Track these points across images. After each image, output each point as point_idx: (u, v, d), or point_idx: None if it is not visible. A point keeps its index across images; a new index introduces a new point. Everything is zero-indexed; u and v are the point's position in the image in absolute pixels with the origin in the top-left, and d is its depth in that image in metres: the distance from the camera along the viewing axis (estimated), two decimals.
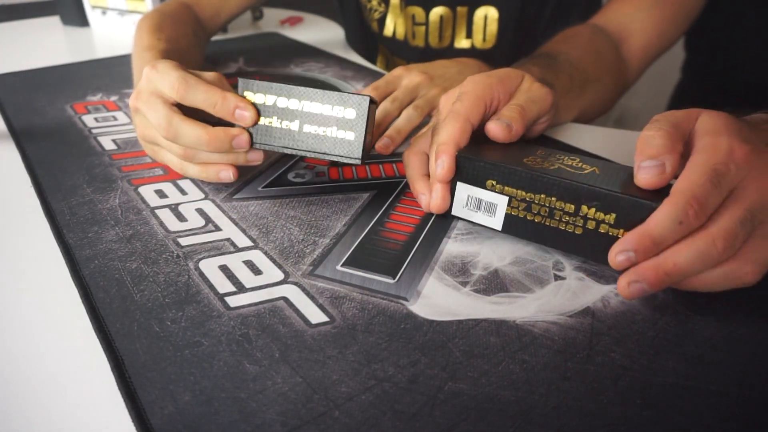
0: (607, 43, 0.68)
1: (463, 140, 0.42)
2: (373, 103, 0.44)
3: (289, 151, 0.45)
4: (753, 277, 0.34)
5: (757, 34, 0.76)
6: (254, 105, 0.45)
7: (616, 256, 0.34)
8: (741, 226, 0.33)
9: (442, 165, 0.41)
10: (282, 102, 0.44)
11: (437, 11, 0.83)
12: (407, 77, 0.63)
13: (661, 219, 0.33)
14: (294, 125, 0.45)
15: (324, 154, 0.45)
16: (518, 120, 0.44)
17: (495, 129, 0.43)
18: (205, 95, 0.45)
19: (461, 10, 0.82)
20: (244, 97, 0.45)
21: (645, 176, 0.36)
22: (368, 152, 0.46)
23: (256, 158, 0.47)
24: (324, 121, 0.44)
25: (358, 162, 0.44)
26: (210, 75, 0.48)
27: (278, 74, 0.81)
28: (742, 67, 0.80)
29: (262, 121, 0.45)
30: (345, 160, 0.45)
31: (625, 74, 0.70)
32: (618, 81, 0.69)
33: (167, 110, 0.45)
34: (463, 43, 0.85)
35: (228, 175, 0.47)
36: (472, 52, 0.84)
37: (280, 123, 0.45)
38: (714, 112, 0.37)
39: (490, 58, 0.79)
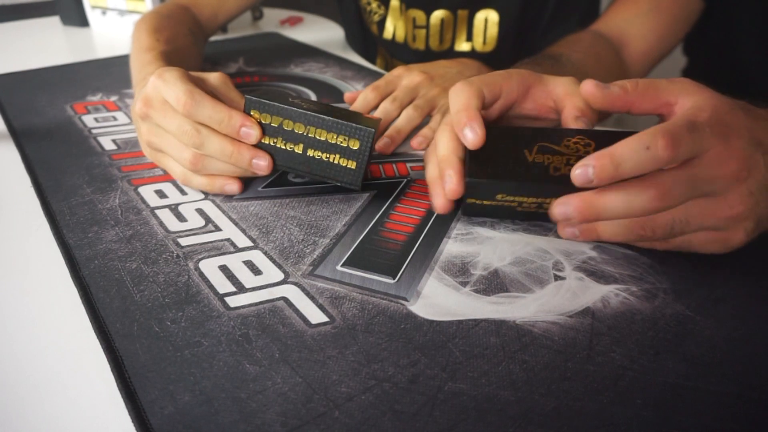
0: (608, 48, 0.68)
1: (480, 105, 0.42)
2: (376, 130, 0.45)
3: (290, 170, 0.46)
4: (654, 204, 0.35)
5: (754, 36, 0.76)
6: (260, 124, 0.45)
7: (576, 168, 0.35)
8: (675, 183, 0.34)
9: (471, 132, 0.41)
10: (288, 125, 0.45)
11: (438, 14, 0.83)
12: (407, 77, 0.63)
13: (628, 141, 0.34)
14: (298, 148, 0.45)
15: (325, 177, 0.46)
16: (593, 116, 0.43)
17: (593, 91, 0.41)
18: (211, 111, 0.45)
19: (462, 13, 0.82)
20: (250, 116, 0.45)
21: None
22: (366, 178, 0.48)
23: (261, 165, 0.47)
24: (328, 148, 0.45)
25: (358, 189, 0.46)
26: (214, 76, 0.48)
27: (278, 74, 0.81)
28: (742, 69, 0.80)
29: (267, 140, 0.45)
30: (344, 185, 0.46)
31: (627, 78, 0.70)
32: None
33: (191, 120, 0.45)
34: (463, 46, 0.85)
35: (233, 188, 0.48)
36: (472, 56, 0.84)
37: (285, 145, 0.45)
38: (708, 97, 0.38)
39: (491, 61, 0.80)
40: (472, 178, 0.41)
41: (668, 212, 0.36)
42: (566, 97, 0.43)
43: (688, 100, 0.38)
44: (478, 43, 0.84)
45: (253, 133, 0.44)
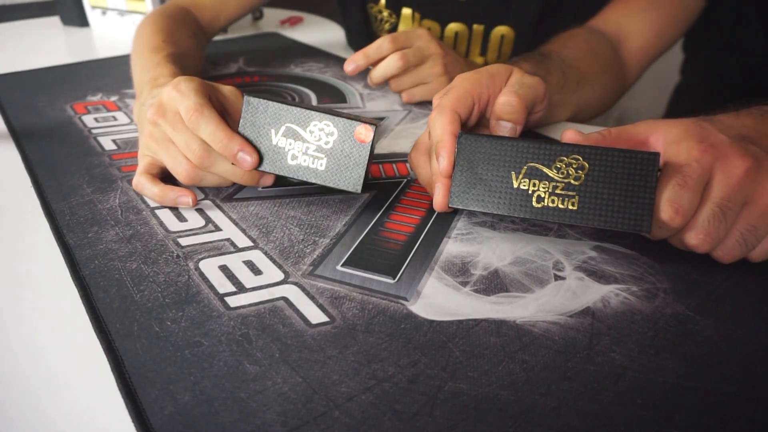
0: (603, 43, 0.68)
1: (455, 129, 0.42)
2: (376, 127, 0.45)
3: (288, 174, 0.45)
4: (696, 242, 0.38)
5: (758, 36, 0.76)
6: (257, 149, 0.45)
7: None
8: (711, 220, 0.36)
9: (442, 160, 0.41)
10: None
11: (453, 27, 0.83)
12: (425, 45, 0.66)
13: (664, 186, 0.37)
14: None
15: (324, 181, 0.45)
16: (518, 108, 0.44)
17: (503, 131, 0.44)
18: (214, 129, 0.45)
19: (477, 28, 0.82)
20: (248, 142, 0.45)
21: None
22: (367, 179, 0.47)
23: (267, 181, 0.49)
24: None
25: (358, 192, 0.45)
26: (228, 88, 0.49)
27: (278, 74, 0.81)
28: (743, 68, 0.80)
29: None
30: (345, 188, 0.44)
31: (624, 74, 0.70)
32: (616, 79, 0.69)
33: (201, 139, 0.45)
34: (477, 59, 0.85)
35: (187, 200, 0.47)
36: None
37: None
38: (674, 122, 0.40)
39: None
40: (454, 206, 0.41)
41: (730, 234, 0.37)
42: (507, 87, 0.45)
43: (659, 135, 0.40)
44: (492, 57, 0.84)
45: (249, 159, 0.44)
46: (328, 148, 0.44)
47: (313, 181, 0.45)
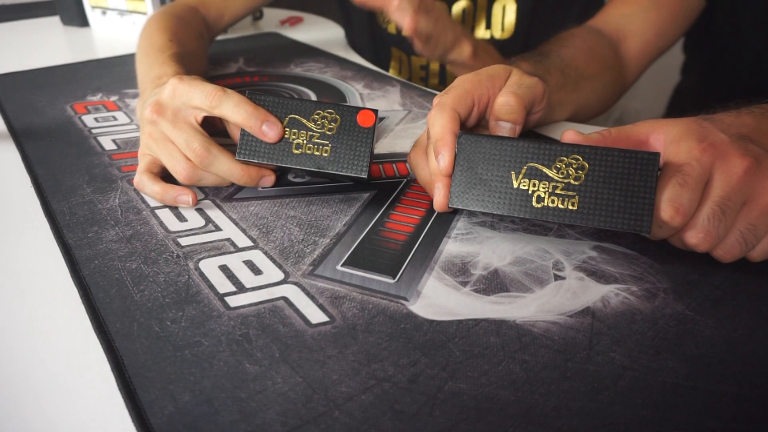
0: (602, 42, 0.68)
1: (456, 128, 0.42)
2: (377, 114, 0.45)
3: (293, 165, 0.45)
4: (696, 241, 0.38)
5: (758, 36, 0.76)
6: (282, 123, 0.45)
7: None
8: (711, 219, 0.36)
9: (443, 159, 0.41)
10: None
11: (460, 4, 0.85)
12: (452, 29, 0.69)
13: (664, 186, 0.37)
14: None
15: (330, 171, 0.45)
16: (517, 108, 0.44)
17: (502, 132, 0.44)
18: (238, 102, 0.45)
19: (481, 1, 0.85)
20: (274, 115, 0.45)
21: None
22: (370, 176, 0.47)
23: (267, 182, 0.49)
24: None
25: (365, 178, 0.45)
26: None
27: (278, 74, 0.81)
28: (743, 68, 0.80)
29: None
30: (351, 174, 0.45)
31: (624, 73, 0.70)
32: (616, 79, 0.69)
33: (202, 138, 0.46)
34: (482, 33, 0.87)
35: (187, 199, 0.47)
36: (490, 43, 0.86)
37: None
38: (674, 122, 0.40)
39: (508, 48, 0.82)
40: (454, 206, 0.41)
41: (730, 233, 0.37)
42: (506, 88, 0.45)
43: (659, 135, 0.40)
44: (496, 30, 0.86)
45: (272, 132, 0.45)
46: (332, 134, 0.45)
47: (318, 168, 0.45)
